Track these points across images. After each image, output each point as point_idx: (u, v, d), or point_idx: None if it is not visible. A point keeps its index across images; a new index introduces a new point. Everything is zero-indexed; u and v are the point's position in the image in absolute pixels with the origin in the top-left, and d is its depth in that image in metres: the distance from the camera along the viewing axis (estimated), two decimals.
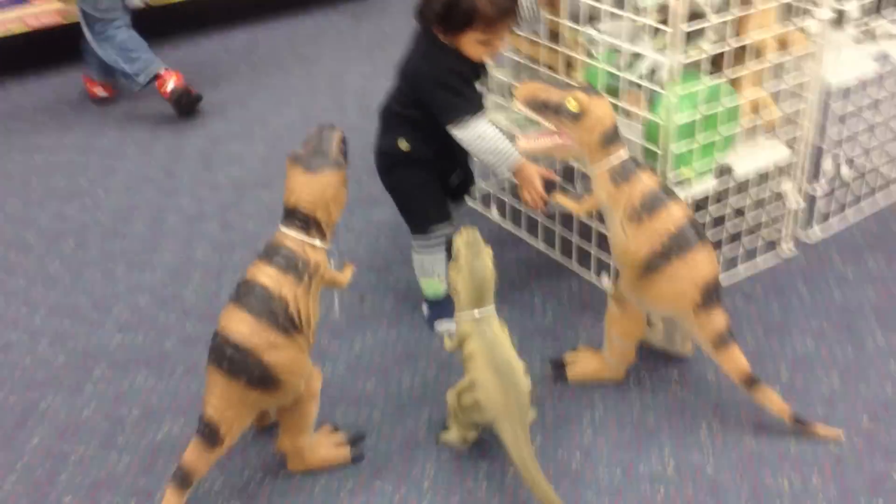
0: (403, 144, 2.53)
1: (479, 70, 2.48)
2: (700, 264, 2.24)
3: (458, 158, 2.64)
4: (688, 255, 2.23)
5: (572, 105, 2.24)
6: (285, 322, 2.04)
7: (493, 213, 3.19)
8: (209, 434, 2.04)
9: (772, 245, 2.94)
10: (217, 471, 2.25)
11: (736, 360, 2.27)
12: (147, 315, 2.82)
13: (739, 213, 2.85)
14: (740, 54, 2.53)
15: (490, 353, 2.13)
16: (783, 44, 2.63)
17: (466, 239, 2.20)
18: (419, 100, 2.46)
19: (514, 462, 2.09)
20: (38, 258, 3.12)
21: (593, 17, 2.60)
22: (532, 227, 3.07)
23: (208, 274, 3.00)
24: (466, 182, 2.76)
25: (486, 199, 3.22)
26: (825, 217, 3.02)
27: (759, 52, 2.57)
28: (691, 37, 2.46)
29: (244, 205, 3.39)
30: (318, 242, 2.12)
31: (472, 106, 2.42)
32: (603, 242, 2.44)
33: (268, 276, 2.06)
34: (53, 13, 4.25)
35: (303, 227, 2.11)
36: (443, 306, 2.67)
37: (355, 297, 2.83)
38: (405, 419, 2.39)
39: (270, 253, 2.10)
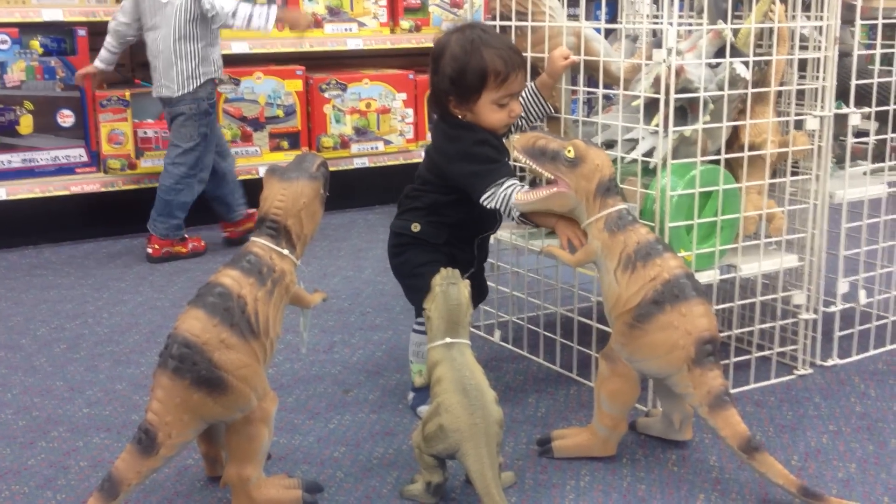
0: (415, 227, 2.46)
1: (501, 143, 2.44)
2: (696, 317, 2.10)
3: (470, 248, 2.55)
4: (682, 306, 2.10)
5: (570, 152, 2.21)
6: (241, 322, 1.93)
7: (496, 337, 3.07)
8: (145, 440, 1.87)
9: (786, 367, 2.74)
10: None
11: (734, 424, 2.06)
12: (120, 395, 2.69)
13: (750, 321, 2.71)
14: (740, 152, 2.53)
15: (459, 375, 1.98)
16: (783, 144, 2.62)
17: (444, 273, 2.11)
18: (443, 183, 2.42)
19: (476, 487, 1.86)
20: (25, 356, 3.03)
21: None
22: (533, 345, 2.93)
23: None
24: (481, 292, 2.66)
25: (489, 328, 3.11)
26: (844, 343, 2.83)
27: (756, 148, 2.55)
28: (688, 122, 2.47)
29: None
30: (286, 251, 2.05)
31: (508, 168, 2.36)
32: (601, 346, 2.30)
33: (229, 276, 1.98)
34: (95, 182, 4.43)
35: (272, 234, 2.05)
36: (428, 394, 2.49)
37: (339, 391, 2.69)
38: (370, 479, 2.17)
39: (236, 259, 2.03)
